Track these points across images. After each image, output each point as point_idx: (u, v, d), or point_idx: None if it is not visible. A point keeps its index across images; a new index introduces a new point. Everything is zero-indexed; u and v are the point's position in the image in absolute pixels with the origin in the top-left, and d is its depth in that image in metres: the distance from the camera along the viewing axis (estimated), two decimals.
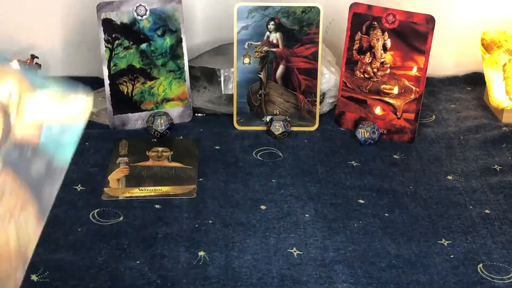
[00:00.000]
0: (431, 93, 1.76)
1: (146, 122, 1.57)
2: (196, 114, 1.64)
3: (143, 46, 1.58)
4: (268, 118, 1.58)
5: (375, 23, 1.55)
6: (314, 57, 1.57)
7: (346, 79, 1.60)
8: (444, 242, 1.25)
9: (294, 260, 1.20)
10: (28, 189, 0.86)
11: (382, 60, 1.55)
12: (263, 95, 1.59)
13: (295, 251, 1.22)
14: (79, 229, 1.26)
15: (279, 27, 1.57)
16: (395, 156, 1.51)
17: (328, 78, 1.63)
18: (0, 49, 1.68)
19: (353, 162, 1.48)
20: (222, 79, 1.62)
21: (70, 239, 1.23)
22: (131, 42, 1.57)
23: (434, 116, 1.67)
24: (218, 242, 1.23)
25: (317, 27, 1.56)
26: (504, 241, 1.25)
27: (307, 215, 1.31)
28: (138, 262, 1.18)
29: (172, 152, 1.49)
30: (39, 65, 1.62)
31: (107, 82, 1.56)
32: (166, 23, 1.58)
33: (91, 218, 1.29)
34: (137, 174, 1.42)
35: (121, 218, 1.29)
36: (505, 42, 1.64)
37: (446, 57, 1.85)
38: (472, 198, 1.37)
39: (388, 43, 1.54)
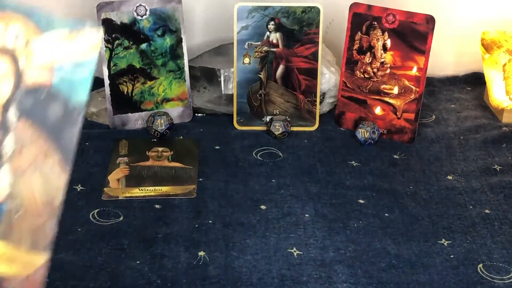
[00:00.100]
0: (431, 93, 1.76)
1: (146, 122, 1.57)
2: (196, 114, 1.64)
3: (143, 46, 1.58)
4: (268, 118, 1.58)
5: (375, 23, 1.55)
6: (314, 57, 1.57)
7: (346, 79, 1.60)
8: (444, 242, 1.25)
9: (294, 260, 1.20)
10: (48, 136, 0.83)
11: (382, 60, 1.55)
12: (263, 95, 1.59)
13: (295, 251, 1.22)
14: (79, 229, 1.26)
15: (279, 27, 1.57)
16: (395, 156, 1.51)
17: (328, 78, 1.63)
18: None
19: (353, 162, 1.48)
20: (222, 79, 1.62)
21: (70, 239, 1.23)
22: (131, 42, 1.57)
23: (434, 116, 1.67)
24: (218, 242, 1.23)
25: (317, 27, 1.56)
26: (504, 241, 1.25)
27: (307, 215, 1.31)
28: (138, 262, 1.18)
29: (172, 152, 1.49)
30: None
31: (107, 82, 1.56)
32: (166, 23, 1.58)
33: (91, 218, 1.29)
34: (137, 174, 1.42)
35: (121, 218, 1.29)
36: (505, 42, 1.64)
37: (446, 57, 1.85)
38: (472, 198, 1.37)
39: (388, 43, 1.54)
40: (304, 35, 1.57)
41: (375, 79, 1.57)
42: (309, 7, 1.56)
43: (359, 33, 1.56)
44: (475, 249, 1.23)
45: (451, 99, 1.75)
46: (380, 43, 1.55)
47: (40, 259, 0.83)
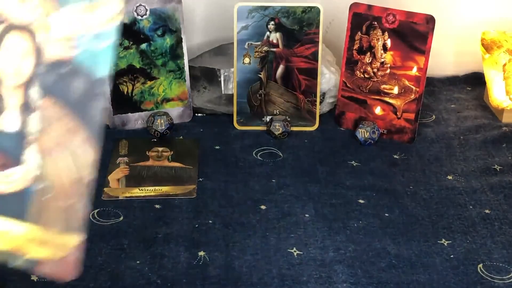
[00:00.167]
0: (431, 93, 1.76)
1: (146, 122, 1.57)
2: (196, 114, 1.64)
3: (143, 46, 1.58)
4: (268, 118, 1.58)
5: (375, 23, 1.55)
6: (314, 57, 1.57)
7: (346, 79, 1.60)
8: (444, 242, 1.25)
9: (294, 260, 1.20)
10: (73, 112, 0.80)
11: (382, 60, 1.55)
12: (263, 95, 1.59)
13: (295, 251, 1.22)
14: None
15: (279, 27, 1.57)
16: (395, 156, 1.51)
17: (328, 78, 1.63)
18: None
19: (353, 162, 1.48)
20: (222, 79, 1.62)
21: None
22: (131, 42, 1.57)
23: (434, 116, 1.67)
24: (218, 242, 1.23)
25: (317, 27, 1.56)
26: (504, 241, 1.25)
27: (307, 215, 1.31)
28: (138, 262, 1.18)
29: (172, 152, 1.49)
30: None
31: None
32: (166, 23, 1.58)
33: (91, 218, 1.29)
34: (137, 174, 1.42)
35: (121, 218, 1.29)
36: (505, 42, 1.64)
37: (446, 57, 1.85)
38: (472, 198, 1.37)
39: (388, 43, 1.54)
40: (304, 35, 1.57)
41: (375, 79, 1.57)
42: (309, 7, 1.56)
43: (359, 33, 1.56)
44: (475, 249, 1.23)
45: (451, 99, 1.75)
46: (380, 43, 1.55)
47: (74, 240, 0.81)
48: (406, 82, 1.54)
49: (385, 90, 1.57)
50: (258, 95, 1.59)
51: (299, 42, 1.57)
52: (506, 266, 1.20)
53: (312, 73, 1.58)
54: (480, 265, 1.20)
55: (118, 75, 1.57)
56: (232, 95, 1.60)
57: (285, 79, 1.59)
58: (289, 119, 1.57)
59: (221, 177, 1.42)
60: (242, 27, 1.56)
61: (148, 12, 1.57)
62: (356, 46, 1.57)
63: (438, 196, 1.37)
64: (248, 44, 1.57)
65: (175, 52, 1.60)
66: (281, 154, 1.50)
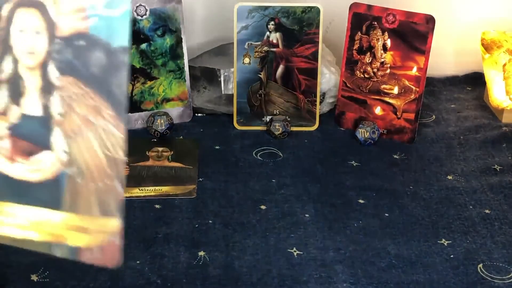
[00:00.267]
0: (431, 93, 1.76)
1: (146, 122, 1.57)
2: (196, 114, 1.64)
3: (143, 46, 1.58)
4: (268, 118, 1.58)
5: (375, 23, 1.55)
6: (314, 57, 1.57)
7: (346, 79, 1.60)
8: (444, 242, 1.25)
9: (294, 260, 1.20)
10: (95, 89, 0.76)
11: (382, 60, 1.55)
12: (263, 95, 1.59)
13: (295, 251, 1.22)
14: None
15: (279, 27, 1.57)
16: (395, 156, 1.51)
17: (328, 78, 1.63)
18: None
19: (353, 162, 1.48)
20: (222, 79, 1.62)
21: None
22: (131, 42, 1.57)
23: (434, 116, 1.67)
24: (218, 242, 1.23)
25: (317, 27, 1.56)
26: (504, 241, 1.25)
27: (307, 215, 1.31)
28: (138, 262, 1.18)
29: (172, 152, 1.49)
30: None
31: None
32: (166, 23, 1.58)
33: None
34: (137, 174, 1.42)
35: None
36: (505, 42, 1.64)
37: (446, 57, 1.85)
38: (472, 198, 1.37)
39: (388, 43, 1.54)
40: (304, 35, 1.57)
41: (375, 79, 1.57)
42: (309, 7, 1.56)
43: (359, 33, 1.56)
44: (475, 249, 1.23)
45: (451, 99, 1.75)
46: (380, 43, 1.55)
47: (113, 224, 0.78)
48: (406, 82, 1.54)
49: (385, 90, 1.57)
50: (258, 95, 1.59)
51: (299, 42, 1.57)
52: (506, 266, 1.20)
53: (312, 73, 1.58)
54: (480, 265, 1.20)
55: None
56: (232, 95, 1.60)
57: (285, 79, 1.59)
58: (289, 119, 1.57)
59: (221, 177, 1.42)
60: (242, 27, 1.56)
61: (148, 12, 1.57)
62: (356, 46, 1.57)
63: (438, 196, 1.37)
64: (248, 44, 1.57)
65: (175, 52, 1.60)
66: (281, 154, 1.50)
